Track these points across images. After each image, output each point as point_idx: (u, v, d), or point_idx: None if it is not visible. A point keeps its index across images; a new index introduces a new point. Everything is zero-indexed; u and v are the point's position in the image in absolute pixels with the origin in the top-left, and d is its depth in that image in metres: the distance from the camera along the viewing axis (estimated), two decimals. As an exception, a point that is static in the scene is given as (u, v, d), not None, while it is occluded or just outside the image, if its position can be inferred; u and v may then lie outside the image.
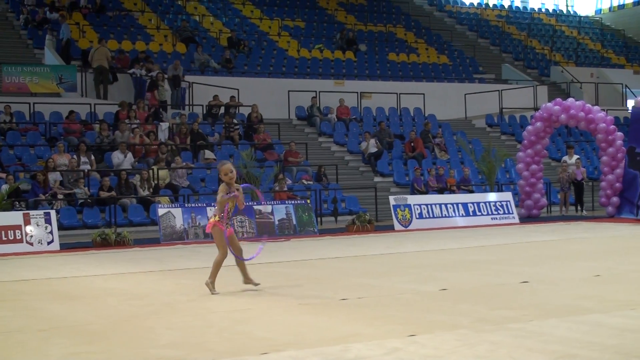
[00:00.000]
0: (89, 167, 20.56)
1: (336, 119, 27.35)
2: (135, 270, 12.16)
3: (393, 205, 19.19)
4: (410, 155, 25.17)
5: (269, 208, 17.68)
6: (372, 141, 25.18)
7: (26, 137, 22.18)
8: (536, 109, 27.42)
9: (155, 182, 20.49)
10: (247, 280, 9.38)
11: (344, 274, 11.00)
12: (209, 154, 22.83)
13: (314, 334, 6.74)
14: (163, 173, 20.95)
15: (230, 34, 30.78)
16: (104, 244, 15.80)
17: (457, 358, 5.70)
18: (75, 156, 20.58)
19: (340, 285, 9.68)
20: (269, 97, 27.19)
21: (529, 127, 22.33)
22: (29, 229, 15.62)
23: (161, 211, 16.88)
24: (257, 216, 17.48)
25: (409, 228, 18.98)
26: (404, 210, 19.20)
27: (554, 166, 26.61)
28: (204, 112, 25.85)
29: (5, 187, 17.87)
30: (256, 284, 9.37)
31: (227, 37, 30.68)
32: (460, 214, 19.95)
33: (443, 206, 19.85)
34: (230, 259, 9.36)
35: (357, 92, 29.01)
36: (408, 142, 25.73)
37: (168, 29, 30.79)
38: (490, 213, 20.34)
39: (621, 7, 49.41)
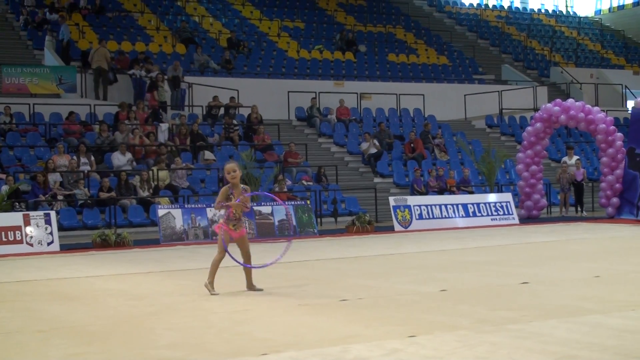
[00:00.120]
0: (88, 168, 20.56)
1: (336, 120, 27.35)
2: (135, 271, 12.16)
3: (393, 206, 19.20)
4: (410, 156, 25.17)
5: (269, 209, 17.68)
6: (372, 142, 25.18)
7: (26, 138, 22.18)
8: (536, 109, 27.43)
9: (155, 183, 20.49)
10: (250, 286, 9.39)
11: (344, 274, 11.00)
12: (208, 154, 22.84)
13: (314, 334, 6.74)
14: (163, 174, 20.95)
15: (229, 34, 30.78)
16: (104, 244, 15.80)
17: (457, 359, 5.70)
18: (75, 157, 20.58)
19: (340, 286, 9.68)
20: (268, 98, 27.19)
21: (529, 128, 22.33)
22: (29, 229, 15.62)
23: (161, 212, 16.88)
24: (257, 217, 17.48)
25: (408, 229, 18.98)
26: (404, 211, 19.20)
27: (554, 167, 26.61)
28: (204, 113, 25.85)
29: (5, 188, 17.88)
30: (258, 290, 9.36)
31: (226, 38, 30.68)
32: (460, 215, 19.95)
33: (443, 207, 19.85)
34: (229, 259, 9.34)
35: (356, 93, 29.01)
36: (408, 143, 25.73)
37: (168, 30, 30.80)
38: (490, 214, 20.34)
39: (621, 7, 49.43)
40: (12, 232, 15.49)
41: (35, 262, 13.91)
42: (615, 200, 20.91)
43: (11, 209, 17.21)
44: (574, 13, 49.95)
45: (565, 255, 12.97)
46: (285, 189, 20.83)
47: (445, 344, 6.15)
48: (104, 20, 30.07)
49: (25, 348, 6.54)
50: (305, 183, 22.36)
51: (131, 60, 26.17)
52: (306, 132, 27.14)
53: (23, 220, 15.71)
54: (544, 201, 22.26)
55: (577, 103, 21.55)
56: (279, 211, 17.87)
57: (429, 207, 19.65)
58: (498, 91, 31.12)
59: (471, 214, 20.09)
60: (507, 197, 21.03)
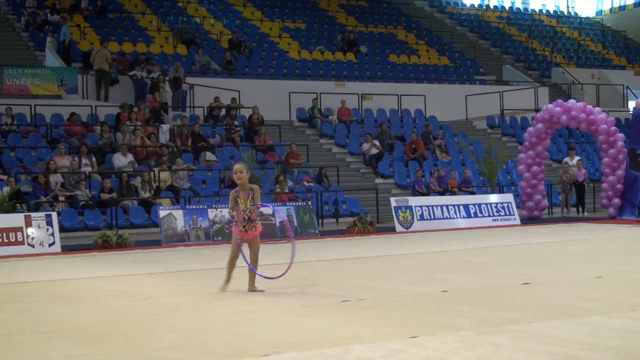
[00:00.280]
0: (90, 169, 20.57)
1: (337, 121, 27.35)
2: (137, 272, 12.16)
3: (394, 207, 19.19)
4: (411, 157, 25.16)
5: (270, 210, 17.68)
6: (373, 142, 25.17)
7: (27, 139, 22.19)
8: (537, 110, 27.42)
9: (157, 184, 20.50)
10: (252, 288, 9.44)
11: (345, 275, 11.00)
12: (210, 155, 22.84)
13: (315, 335, 6.74)
14: (164, 175, 20.96)
15: (231, 35, 30.78)
16: (105, 245, 15.80)
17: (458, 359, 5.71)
18: (76, 158, 20.59)
19: (341, 287, 9.67)
20: (269, 98, 27.19)
21: (530, 129, 22.32)
22: (30, 231, 15.62)
23: (162, 213, 16.89)
24: (258, 218, 17.45)
25: (410, 229, 18.97)
26: (405, 212, 19.19)
27: (555, 167, 26.59)
28: (205, 113, 25.86)
29: (6, 189, 17.89)
30: (259, 291, 9.41)
31: (228, 39, 30.68)
32: (462, 216, 19.94)
33: (444, 208, 19.85)
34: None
35: (358, 94, 29.01)
36: (409, 143, 25.73)
37: (169, 31, 30.80)
38: (491, 214, 20.33)
39: (622, 8, 49.40)
40: (13, 233, 15.49)
41: (36, 263, 13.92)
42: (616, 200, 20.90)
43: (12, 210, 17.22)
44: (575, 14, 49.93)
45: (567, 256, 12.96)
46: (287, 190, 20.83)
47: (447, 345, 6.15)
48: (105, 21, 30.08)
49: (26, 349, 6.54)
50: (306, 184, 22.36)
51: (132, 61, 26.18)
52: (307, 132, 27.14)
53: (24, 221, 15.71)
54: (545, 202, 22.25)
55: (578, 104, 21.54)
56: (280, 212, 17.85)
57: (430, 207, 19.65)
58: (499, 92, 31.11)
59: (472, 215, 20.08)
60: (509, 197, 21.02)
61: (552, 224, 20.21)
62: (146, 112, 23.94)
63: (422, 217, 19.36)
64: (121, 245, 15.89)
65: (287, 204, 18.69)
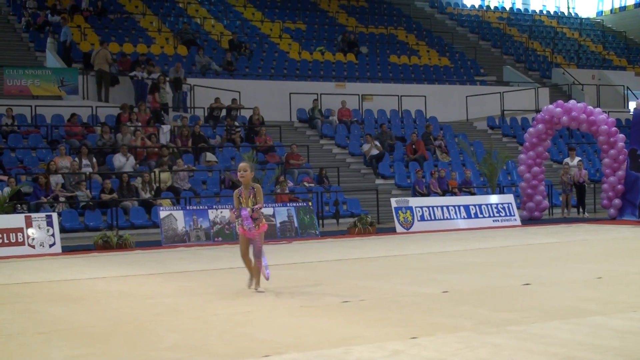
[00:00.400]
0: (90, 169, 20.58)
1: (337, 121, 27.35)
2: (137, 272, 12.17)
3: (395, 208, 19.19)
4: (412, 158, 25.16)
5: (270, 210, 17.67)
6: (374, 143, 25.17)
7: (28, 139, 22.20)
8: (538, 111, 27.41)
9: (157, 184, 20.50)
10: (256, 285, 9.50)
11: (346, 276, 11.00)
12: (210, 156, 22.84)
13: (316, 336, 6.74)
14: (164, 175, 20.96)
15: (231, 36, 30.79)
16: (106, 246, 15.80)
17: (459, 360, 5.70)
18: (76, 159, 20.60)
19: (341, 288, 9.67)
20: (270, 99, 27.20)
21: (531, 129, 22.31)
22: (30, 231, 15.62)
23: (163, 214, 16.89)
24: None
25: (410, 230, 18.97)
26: (406, 213, 19.19)
27: (556, 168, 26.59)
28: (206, 114, 25.86)
29: (7, 189, 17.89)
30: (260, 291, 9.42)
31: (228, 39, 30.69)
32: (462, 216, 19.94)
33: (445, 208, 19.84)
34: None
35: (358, 95, 29.01)
36: (409, 144, 25.73)
37: (169, 32, 30.81)
38: (491, 215, 20.32)
39: (622, 9, 49.39)
40: (13, 234, 15.49)
41: (37, 264, 13.92)
42: (617, 201, 20.89)
43: (13, 210, 17.22)
44: (576, 14, 49.92)
45: (567, 256, 12.96)
46: (287, 191, 20.83)
47: (447, 346, 6.15)
48: (106, 22, 30.10)
49: (27, 350, 6.54)
50: (306, 184, 22.36)
51: (133, 62, 26.19)
52: (308, 133, 27.15)
53: (25, 222, 15.70)
54: (545, 202, 22.24)
55: (578, 104, 21.53)
56: (280, 213, 17.87)
57: (430, 208, 19.64)
58: (500, 92, 31.10)
59: (473, 216, 20.07)
60: (509, 198, 21.02)
61: (553, 225, 20.20)
62: (147, 113, 23.95)
63: (422, 218, 19.36)
64: (122, 246, 15.89)
65: (288, 204, 18.69)
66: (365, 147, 25.29)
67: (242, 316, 7.81)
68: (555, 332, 6.57)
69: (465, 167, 25.15)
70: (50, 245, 15.63)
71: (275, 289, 9.58)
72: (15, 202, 17.82)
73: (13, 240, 15.43)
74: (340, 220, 21.16)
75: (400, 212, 19.13)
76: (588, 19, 49.16)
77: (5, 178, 18.86)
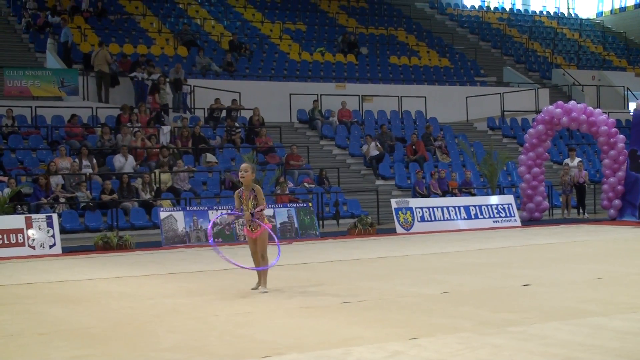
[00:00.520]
0: (90, 170, 20.59)
1: (338, 122, 27.35)
2: (137, 273, 12.17)
3: (395, 209, 19.19)
4: (412, 158, 25.16)
5: (270, 211, 17.67)
6: (374, 144, 25.17)
7: (28, 140, 22.20)
8: (538, 111, 27.41)
9: (157, 185, 20.50)
10: (262, 285, 9.59)
11: (346, 277, 11.00)
12: (210, 157, 22.84)
13: (316, 337, 6.74)
14: (165, 176, 20.96)
15: (231, 37, 30.79)
16: (106, 247, 15.80)
17: (459, 361, 5.71)
18: (77, 160, 20.60)
19: (341, 288, 9.68)
20: (270, 100, 27.20)
21: (531, 130, 22.32)
22: (30, 232, 15.63)
23: (163, 214, 16.89)
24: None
25: (410, 231, 18.97)
26: (406, 213, 19.19)
27: (556, 169, 26.59)
28: (206, 115, 25.86)
29: (7, 190, 17.89)
30: (263, 292, 9.46)
31: (228, 40, 30.69)
32: (462, 217, 19.94)
33: (445, 209, 19.84)
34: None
35: (358, 95, 29.01)
36: (409, 145, 25.73)
37: (169, 33, 30.81)
38: (492, 216, 20.32)
39: (622, 9, 49.40)
40: (14, 235, 15.49)
41: (37, 264, 13.92)
42: (617, 202, 20.89)
43: (13, 211, 17.22)
44: (576, 15, 49.93)
45: (567, 257, 12.96)
46: (287, 192, 20.83)
47: (447, 346, 6.15)
48: (106, 23, 30.10)
49: (27, 350, 6.54)
50: (307, 185, 22.36)
51: (133, 62, 26.20)
52: (308, 134, 27.15)
53: (25, 223, 15.71)
54: (545, 203, 22.24)
55: (578, 105, 21.54)
56: (280, 214, 17.88)
57: (430, 209, 19.64)
58: (500, 93, 31.11)
59: (473, 216, 20.07)
60: (509, 199, 21.02)
61: (553, 226, 20.20)
62: (147, 114, 23.95)
63: (422, 219, 19.36)
64: (122, 246, 15.89)
65: (288, 205, 18.69)
66: (365, 147, 25.29)
67: (242, 317, 7.82)
68: (556, 332, 6.57)
69: (465, 167, 25.15)
70: (51, 246, 15.64)
71: (275, 289, 9.58)
72: (16, 203, 17.82)
73: (13, 241, 15.44)
74: (341, 221, 21.16)
75: (400, 212, 19.13)
76: (588, 19, 49.16)
77: (5, 179, 18.86)
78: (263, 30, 33.38)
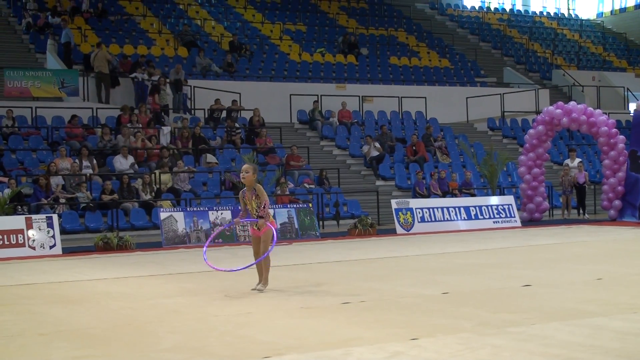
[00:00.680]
0: (91, 171, 20.59)
1: (338, 123, 27.35)
2: (138, 274, 12.17)
3: (395, 209, 19.19)
4: (412, 159, 25.16)
5: (271, 212, 17.66)
6: (374, 145, 25.17)
7: (28, 141, 22.21)
8: (538, 112, 27.42)
9: (157, 186, 20.50)
10: (263, 283, 9.67)
11: (346, 277, 11.00)
12: (210, 157, 22.85)
13: (316, 337, 6.74)
14: (165, 177, 20.97)
15: (232, 38, 30.80)
16: (106, 248, 15.81)
17: (459, 361, 5.71)
18: (77, 160, 20.60)
19: (342, 289, 9.68)
20: (270, 101, 27.21)
21: (531, 131, 22.33)
22: (31, 233, 15.63)
23: (163, 215, 16.89)
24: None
25: (411, 232, 18.97)
26: (406, 214, 19.19)
27: (556, 169, 26.59)
28: (206, 116, 25.87)
29: (7, 191, 17.89)
30: (259, 290, 9.47)
31: (228, 41, 30.70)
32: (462, 218, 19.94)
33: (445, 210, 19.84)
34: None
35: (358, 96, 29.02)
36: (410, 145, 25.73)
37: (170, 33, 30.82)
38: (492, 217, 20.33)
39: (623, 10, 49.40)
40: (14, 236, 15.50)
41: (37, 265, 13.92)
42: (617, 202, 20.89)
43: (13, 212, 17.22)
44: (576, 16, 49.93)
45: (567, 257, 12.96)
46: (287, 192, 20.84)
47: (447, 347, 6.15)
48: (106, 23, 30.10)
49: (28, 351, 6.55)
50: (307, 186, 22.37)
51: (133, 63, 26.21)
52: (308, 135, 27.15)
53: (25, 223, 15.71)
54: (546, 204, 22.25)
55: (579, 106, 21.54)
56: (280, 214, 17.88)
57: (431, 209, 19.64)
58: (500, 94, 31.11)
59: (473, 217, 20.08)
60: (509, 199, 21.02)
61: (553, 226, 20.21)
62: (147, 115, 23.96)
63: (422, 219, 19.36)
64: (122, 247, 15.90)
65: (288, 206, 18.69)
66: (366, 148, 25.29)
67: (243, 317, 7.82)
68: (556, 333, 6.57)
69: (465, 168, 25.15)
70: (51, 247, 15.64)
71: (276, 290, 9.58)
72: (16, 204, 17.82)
73: (13, 242, 15.44)
74: (341, 222, 21.16)
75: (400, 213, 19.14)
76: (588, 20, 49.17)
77: (5, 179, 18.86)
78: (263, 30, 33.39)
